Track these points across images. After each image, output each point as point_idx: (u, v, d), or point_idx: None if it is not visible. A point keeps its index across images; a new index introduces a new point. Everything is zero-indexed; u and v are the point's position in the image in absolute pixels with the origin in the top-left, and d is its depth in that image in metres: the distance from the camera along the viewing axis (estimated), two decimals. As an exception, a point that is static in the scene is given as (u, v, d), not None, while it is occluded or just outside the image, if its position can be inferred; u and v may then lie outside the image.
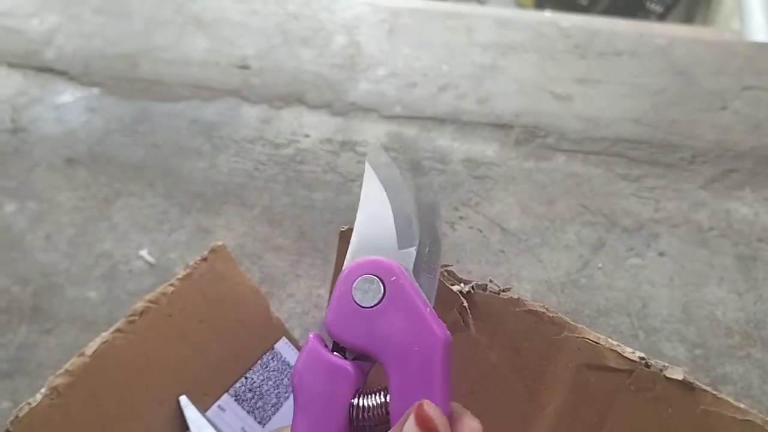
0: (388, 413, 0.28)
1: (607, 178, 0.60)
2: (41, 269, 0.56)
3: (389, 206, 0.31)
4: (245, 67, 0.71)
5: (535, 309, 0.36)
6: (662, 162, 0.61)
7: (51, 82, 0.70)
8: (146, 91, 0.69)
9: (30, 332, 0.52)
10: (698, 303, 0.52)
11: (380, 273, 0.29)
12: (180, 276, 0.40)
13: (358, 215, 0.32)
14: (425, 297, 0.30)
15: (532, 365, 0.36)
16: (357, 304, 0.29)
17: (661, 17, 1.26)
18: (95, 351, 0.36)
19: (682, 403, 0.34)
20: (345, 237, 0.37)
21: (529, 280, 0.54)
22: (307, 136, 0.64)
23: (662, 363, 0.34)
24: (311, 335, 0.30)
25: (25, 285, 0.55)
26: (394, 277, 0.29)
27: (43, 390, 0.35)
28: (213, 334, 0.40)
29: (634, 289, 0.53)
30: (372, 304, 0.29)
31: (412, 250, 0.31)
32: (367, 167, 0.32)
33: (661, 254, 0.55)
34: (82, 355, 0.36)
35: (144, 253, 0.56)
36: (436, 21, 0.75)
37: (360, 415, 0.28)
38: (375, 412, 0.28)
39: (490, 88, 0.68)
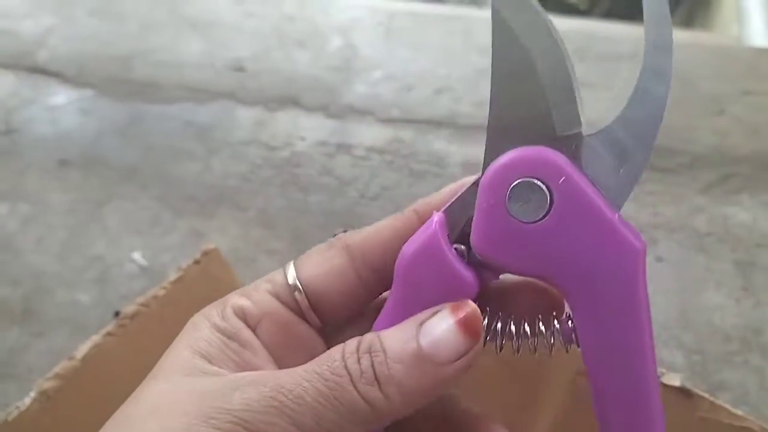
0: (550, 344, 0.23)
1: (605, 183, 0.60)
2: (32, 271, 0.55)
3: (536, 66, 0.23)
4: (240, 69, 0.70)
5: (531, 314, 0.35)
6: (660, 166, 0.61)
7: (44, 84, 0.70)
8: (140, 93, 0.68)
9: (20, 335, 0.52)
10: (696, 309, 0.52)
11: (542, 173, 0.22)
12: (172, 279, 0.39)
13: (492, 85, 0.24)
14: (605, 198, 0.23)
15: (529, 372, 0.36)
16: (515, 219, 0.22)
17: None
18: (85, 354, 0.36)
19: (679, 410, 0.33)
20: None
21: (525, 284, 0.54)
22: (302, 138, 0.64)
23: (660, 369, 0.34)
24: (437, 215, 0.23)
25: (16, 287, 0.54)
26: (564, 177, 0.22)
27: (32, 393, 0.34)
28: (205, 338, 0.40)
29: (632, 295, 0.53)
30: (537, 218, 0.22)
31: (579, 132, 0.23)
32: (494, 8, 0.23)
33: (659, 259, 0.55)
34: (72, 358, 0.35)
35: (136, 255, 0.56)
36: (433, 24, 0.75)
37: (496, 341, 0.23)
38: (520, 340, 0.23)
39: (487, 91, 0.67)
